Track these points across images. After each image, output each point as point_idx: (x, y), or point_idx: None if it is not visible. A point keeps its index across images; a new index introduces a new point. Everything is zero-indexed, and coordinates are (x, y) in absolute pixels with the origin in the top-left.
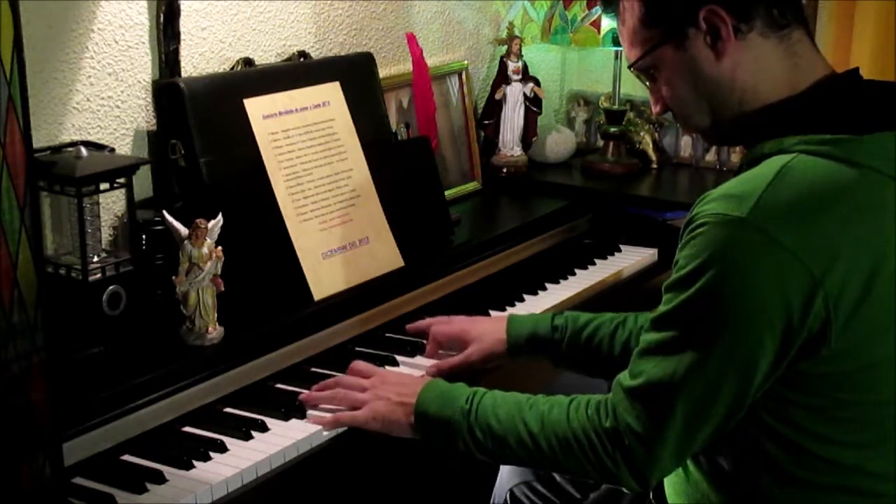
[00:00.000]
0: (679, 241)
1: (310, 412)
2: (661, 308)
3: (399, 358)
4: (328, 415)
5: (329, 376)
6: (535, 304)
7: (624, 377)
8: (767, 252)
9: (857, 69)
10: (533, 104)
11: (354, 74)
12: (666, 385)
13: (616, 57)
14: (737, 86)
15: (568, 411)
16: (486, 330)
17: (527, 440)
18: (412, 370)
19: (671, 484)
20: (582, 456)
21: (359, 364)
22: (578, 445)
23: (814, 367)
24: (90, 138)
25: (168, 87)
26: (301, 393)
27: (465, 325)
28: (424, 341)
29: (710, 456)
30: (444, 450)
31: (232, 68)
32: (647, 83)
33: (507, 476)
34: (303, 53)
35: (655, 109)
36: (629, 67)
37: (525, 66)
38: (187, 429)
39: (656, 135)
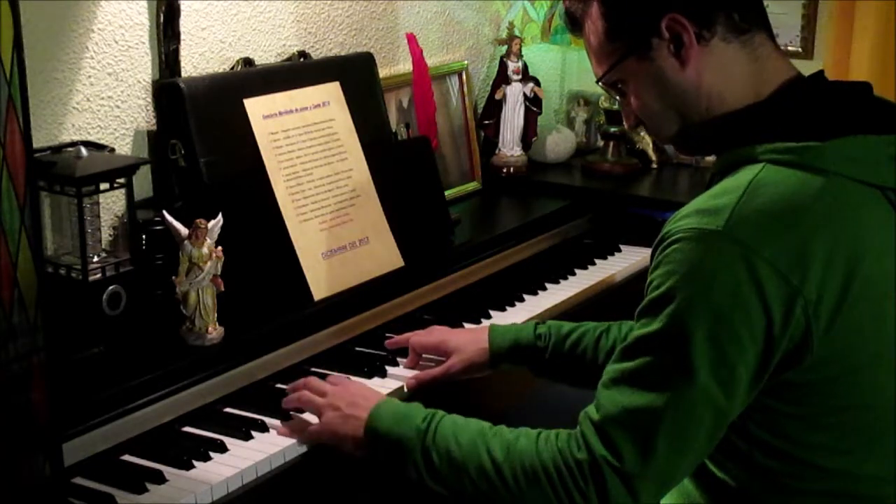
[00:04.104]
0: (651, 260)
1: (276, 425)
2: (636, 333)
3: (399, 359)
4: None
5: (329, 377)
6: (535, 304)
7: (591, 410)
8: (746, 263)
9: (821, 72)
10: (533, 104)
11: (354, 74)
12: (646, 414)
13: None
14: (703, 92)
15: (537, 442)
16: (467, 340)
17: (489, 469)
18: (412, 372)
19: None
20: (550, 490)
21: (332, 377)
22: (547, 478)
23: (799, 377)
24: (90, 138)
25: (168, 87)
26: None
27: (444, 336)
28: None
29: (700, 466)
30: (391, 470)
31: (232, 68)
32: (618, 98)
33: None
34: (303, 53)
35: (627, 124)
36: (597, 82)
37: (525, 66)
38: (187, 429)
39: None
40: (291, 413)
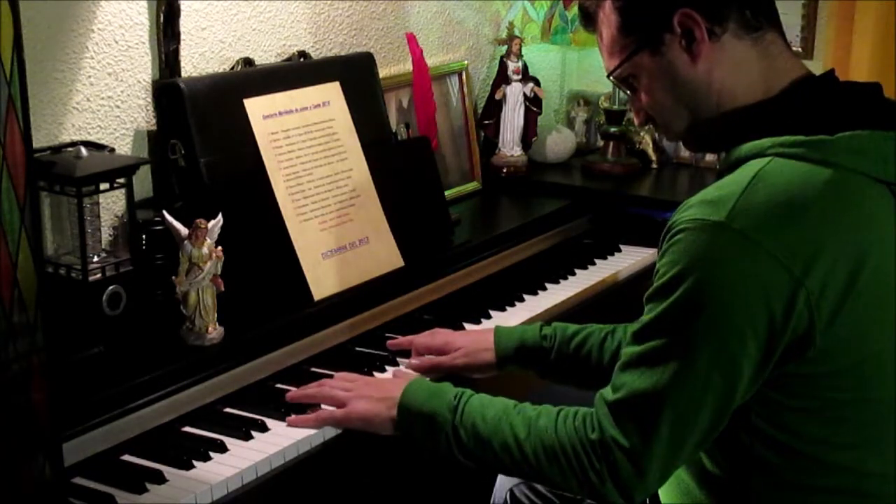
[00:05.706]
0: (658, 249)
1: (290, 418)
2: (643, 318)
3: (400, 359)
4: (310, 415)
5: (329, 377)
6: (535, 304)
7: (606, 391)
8: (747, 254)
9: (832, 70)
10: (533, 104)
11: (354, 74)
12: (650, 396)
13: None
14: (713, 88)
15: (556, 421)
16: (473, 340)
17: (512, 445)
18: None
19: (664, 487)
20: (567, 468)
21: (344, 374)
22: (565, 457)
23: (802, 369)
24: (90, 138)
25: (168, 87)
26: None
27: (448, 337)
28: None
29: (701, 460)
30: (423, 446)
31: (232, 68)
32: (628, 93)
33: (506, 476)
34: (303, 53)
35: (637, 121)
36: (608, 77)
37: (525, 66)
38: (187, 429)
39: (656, 135)
40: (306, 406)
